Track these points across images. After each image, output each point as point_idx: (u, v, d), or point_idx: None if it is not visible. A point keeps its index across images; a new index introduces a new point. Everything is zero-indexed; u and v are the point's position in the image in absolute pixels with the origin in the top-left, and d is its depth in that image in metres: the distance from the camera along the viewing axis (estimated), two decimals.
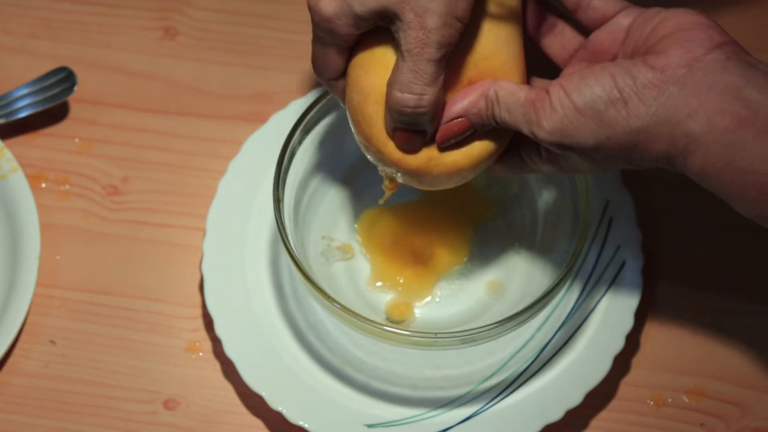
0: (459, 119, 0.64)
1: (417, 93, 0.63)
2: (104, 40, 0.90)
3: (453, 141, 0.65)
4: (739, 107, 0.59)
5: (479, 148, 0.66)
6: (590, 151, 0.62)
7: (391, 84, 0.64)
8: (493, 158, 0.68)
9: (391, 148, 0.66)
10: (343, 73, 0.68)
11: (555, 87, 0.62)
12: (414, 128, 0.65)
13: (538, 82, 0.68)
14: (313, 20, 0.65)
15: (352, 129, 0.69)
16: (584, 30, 0.68)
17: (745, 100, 0.59)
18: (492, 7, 0.65)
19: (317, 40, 0.67)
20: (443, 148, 0.66)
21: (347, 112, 0.68)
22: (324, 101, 0.76)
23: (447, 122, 0.65)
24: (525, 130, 0.63)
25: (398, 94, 0.63)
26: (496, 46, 0.65)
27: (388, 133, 0.66)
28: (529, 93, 0.63)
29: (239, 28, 0.91)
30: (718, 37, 0.61)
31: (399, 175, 0.68)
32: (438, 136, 0.65)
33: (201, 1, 0.92)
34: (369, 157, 0.69)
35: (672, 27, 0.62)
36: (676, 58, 0.61)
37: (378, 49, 0.65)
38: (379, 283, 0.79)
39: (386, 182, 0.71)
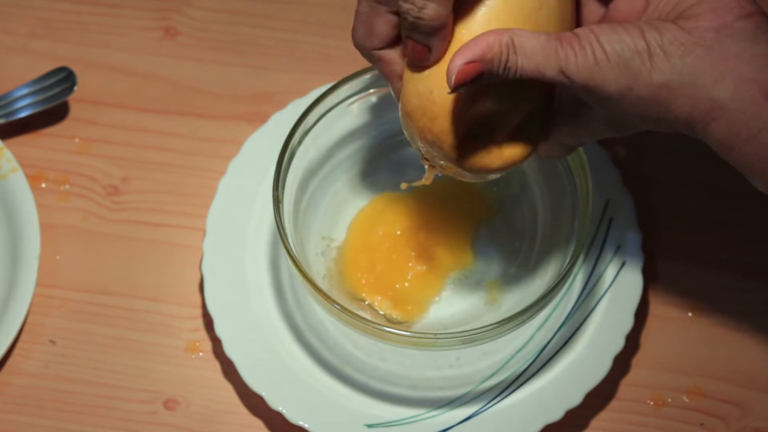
0: (472, 63, 0.61)
1: (418, 5, 0.61)
2: (104, 40, 0.90)
3: (462, 88, 0.61)
4: (767, 78, 0.58)
5: (524, 142, 0.65)
6: (612, 101, 0.61)
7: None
8: (532, 151, 0.66)
9: (451, 143, 0.64)
10: (390, 43, 0.66)
11: (584, 30, 0.61)
12: (419, 41, 0.63)
13: None
14: None
15: (406, 116, 0.66)
16: (604, 1, 0.67)
17: None
18: None
19: (368, 1, 0.65)
20: (459, 103, 0.63)
21: (404, 97, 0.65)
22: (324, 101, 0.76)
23: (460, 64, 0.61)
24: (550, 71, 0.61)
25: (402, 3, 0.62)
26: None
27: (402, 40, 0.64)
28: (551, 35, 0.61)
29: (239, 28, 0.91)
30: (749, 6, 0.60)
31: (442, 163, 0.66)
32: (447, 79, 0.61)
33: (201, 1, 0.92)
34: (420, 144, 0.66)
35: None
36: (704, 22, 0.60)
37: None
38: (367, 301, 0.79)
39: (427, 169, 0.69)
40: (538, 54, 0.61)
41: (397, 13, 0.65)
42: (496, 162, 0.66)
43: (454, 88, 0.61)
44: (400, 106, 0.66)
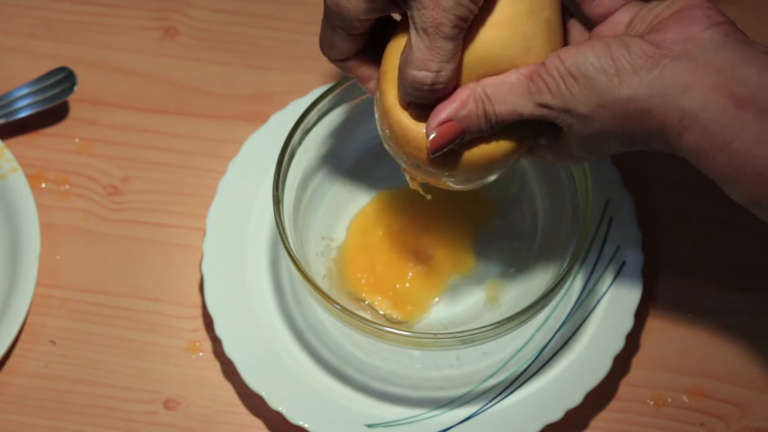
0: (449, 122, 0.63)
1: (434, 70, 0.62)
2: (104, 40, 0.90)
3: (445, 149, 0.63)
4: (737, 86, 0.58)
5: (505, 143, 0.65)
6: (588, 121, 0.61)
7: (405, 63, 0.62)
8: (521, 152, 0.66)
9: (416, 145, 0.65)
10: (351, 56, 0.67)
11: (551, 57, 0.62)
12: (430, 102, 0.63)
13: None
14: (324, 1, 0.64)
15: (378, 122, 0.67)
16: (589, 25, 0.67)
17: (743, 79, 0.58)
18: None
19: (326, 20, 0.66)
20: (434, 160, 0.64)
21: (376, 104, 0.67)
22: (324, 101, 0.76)
23: (436, 126, 0.63)
24: (527, 108, 0.62)
25: (414, 72, 0.62)
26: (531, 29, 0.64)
27: (401, 105, 0.64)
28: (520, 72, 0.62)
29: (239, 28, 0.91)
30: (716, 17, 0.61)
31: (422, 169, 0.66)
32: (430, 143, 0.63)
33: (201, 1, 0.92)
34: (393, 153, 0.67)
35: (672, 10, 0.62)
36: (672, 34, 0.60)
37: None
38: (367, 301, 0.79)
39: (409, 180, 0.70)
40: (510, 96, 0.62)
41: (354, 36, 0.65)
42: (482, 174, 0.66)
43: (435, 152, 0.63)
44: (379, 126, 0.67)
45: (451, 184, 0.67)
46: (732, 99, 0.58)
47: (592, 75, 0.60)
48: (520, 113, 0.62)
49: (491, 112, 0.63)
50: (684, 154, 0.61)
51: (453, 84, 0.63)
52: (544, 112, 0.62)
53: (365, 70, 0.68)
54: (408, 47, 0.62)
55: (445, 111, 0.63)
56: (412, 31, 0.62)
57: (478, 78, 0.63)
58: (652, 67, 0.60)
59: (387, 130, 0.66)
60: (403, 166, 0.68)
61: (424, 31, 0.61)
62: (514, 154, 0.66)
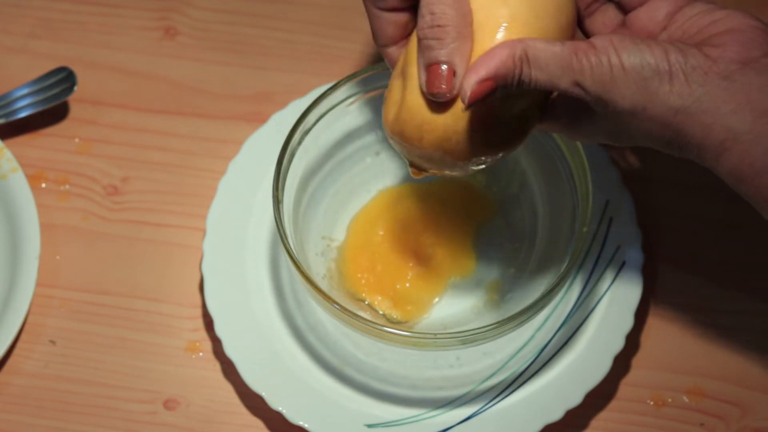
0: (486, 81, 0.61)
1: (437, 12, 0.62)
2: (104, 40, 0.90)
3: (480, 102, 0.61)
4: None
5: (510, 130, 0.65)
6: (623, 116, 0.61)
7: (418, 14, 0.63)
8: (520, 144, 0.66)
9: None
10: (393, 41, 0.67)
11: (603, 40, 0.60)
12: (444, 59, 0.62)
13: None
14: None
15: (389, 114, 0.67)
16: (623, 9, 0.67)
17: None
18: None
19: (370, 2, 0.66)
20: (445, 147, 0.64)
21: (388, 94, 0.67)
22: (324, 101, 0.76)
23: (474, 83, 0.61)
24: (564, 83, 0.60)
25: (422, 20, 0.62)
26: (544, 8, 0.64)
27: (419, 73, 0.63)
28: (565, 45, 0.60)
29: (239, 28, 0.91)
30: None
31: (419, 157, 0.66)
32: (466, 99, 0.61)
33: (201, 1, 0.92)
34: (400, 146, 0.67)
35: (731, 25, 0.61)
36: (731, 54, 0.60)
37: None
38: (367, 301, 0.79)
39: (412, 173, 0.69)
40: (552, 65, 0.60)
41: (391, 9, 0.65)
42: (490, 155, 0.65)
43: (469, 105, 0.61)
44: (390, 118, 0.66)
45: (457, 171, 0.66)
46: None
47: (647, 74, 0.59)
48: (556, 85, 0.61)
49: (527, 75, 0.61)
50: (720, 174, 0.60)
51: (467, 40, 0.62)
52: (580, 92, 0.60)
53: (397, 31, 0.68)
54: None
55: (484, 68, 0.61)
56: None
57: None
58: (706, 82, 0.59)
59: (399, 118, 0.65)
60: (410, 158, 0.67)
61: None
62: (524, 137, 0.65)
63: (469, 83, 0.61)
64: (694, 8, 0.63)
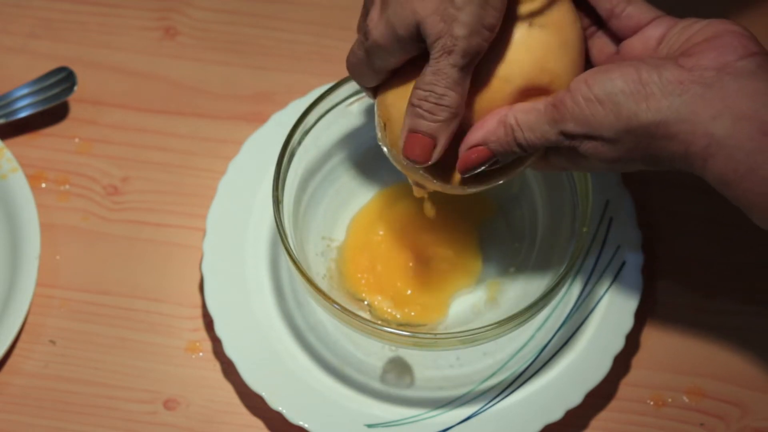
0: (478, 147, 0.64)
1: (438, 93, 0.63)
2: (104, 40, 0.90)
3: (476, 171, 0.65)
4: (766, 115, 0.58)
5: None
6: (610, 144, 0.62)
7: (415, 88, 0.64)
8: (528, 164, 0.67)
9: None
10: (377, 86, 0.68)
11: (577, 81, 0.62)
12: (428, 132, 0.64)
13: None
14: (364, 35, 0.65)
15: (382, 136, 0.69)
16: (617, 38, 0.67)
17: None
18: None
19: (364, 53, 0.66)
20: (465, 180, 0.66)
21: (380, 118, 0.68)
22: (324, 101, 0.76)
23: (466, 150, 0.64)
24: (553, 135, 0.63)
25: (420, 92, 0.63)
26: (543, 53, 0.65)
27: (401, 141, 0.65)
28: (548, 99, 0.63)
29: (239, 28, 0.91)
30: (752, 47, 0.61)
31: (427, 177, 0.68)
32: (458, 165, 0.65)
33: (201, 1, 0.92)
34: (401, 167, 0.70)
35: (707, 34, 0.62)
36: (706, 61, 0.60)
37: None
38: (366, 301, 0.79)
39: (415, 191, 0.72)
40: (539, 123, 0.63)
41: (385, 71, 0.66)
42: (493, 182, 0.67)
43: (464, 173, 0.65)
44: (389, 150, 0.69)
45: (460, 191, 0.68)
46: (759, 127, 0.59)
47: (620, 100, 0.60)
48: (549, 139, 0.63)
49: (521, 138, 0.63)
50: (708, 180, 0.61)
51: (458, 119, 0.64)
52: (566, 140, 0.62)
53: None
54: (421, 73, 0.63)
55: (475, 136, 0.64)
56: (430, 61, 0.63)
57: (504, 102, 0.64)
58: (682, 93, 0.60)
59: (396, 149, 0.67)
60: (414, 179, 0.70)
61: (435, 59, 0.62)
62: (527, 163, 0.67)
63: (462, 150, 0.64)
64: (678, 26, 0.64)
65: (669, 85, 0.60)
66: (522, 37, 0.64)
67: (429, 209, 0.76)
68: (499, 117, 0.64)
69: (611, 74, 0.61)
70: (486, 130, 0.64)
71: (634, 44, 0.66)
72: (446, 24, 0.61)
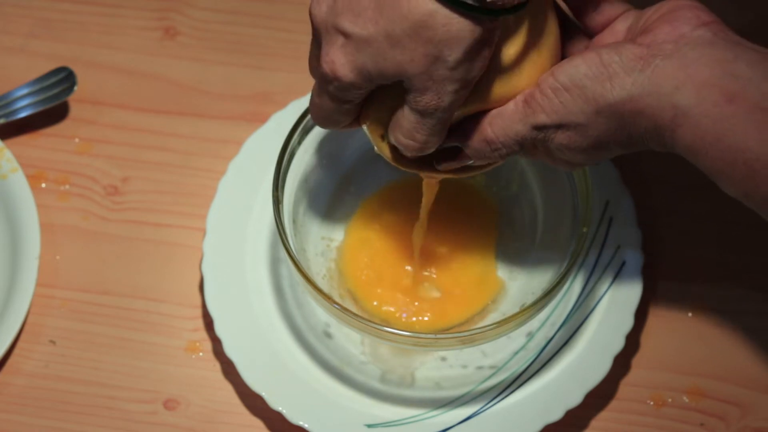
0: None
1: (420, 141, 0.63)
2: (104, 40, 0.90)
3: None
4: (729, 81, 0.59)
5: None
6: (582, 130, 0.62)
7: (394, 126, 0.64)
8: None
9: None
10: (351, 123, 0.67)
11: (544, 75, 0.62)
12: (414, 153, 0.65)
13: None
14: (324, 79, 0.63)
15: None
16: (590, 34, 0.68)
17: (734, 74, 0.59)
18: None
19: (327, 96, 0.65)
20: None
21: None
22: None
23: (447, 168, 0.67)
24: (527, 131, 0.63)
25: (402, 139, 0.64)
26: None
27: (392, 132, 0.65)
28: (518, 98, 0.63)
29: (239, 28, 0.91)
30: (704, 16, 0.61)
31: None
32: (437, 163, 0.67)
33: (201, 1, 0.92)
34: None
35: (661, 12, 0.62)
36: (662, 35, 0.61)
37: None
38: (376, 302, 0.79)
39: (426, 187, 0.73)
40: (511, 123, 0.63)
41: (356, 107, 0.65)
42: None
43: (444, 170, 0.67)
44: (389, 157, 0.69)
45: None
46: (723, 94, 0.59)
47: (585, 84, 0.61)
48: (524, 137, 0.63)
49: (498, 145, 0.64)
50: (679, 151, 0.61)
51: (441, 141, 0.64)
52: (539, 135, 0.63)
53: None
54: (400, 112, 0.63)
55: (458, 161, 0.66)
56: (407, 104, 0.62)
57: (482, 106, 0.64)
58: (644, 68, 0.60)
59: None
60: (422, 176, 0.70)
61: (419, 111, 0.62)
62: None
63: (443, 168, 0.67)
64: (644, 13, 0.64)
65: (630, 62, 0.60)
66: (513, 58, 0.64)
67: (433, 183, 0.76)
68: (476, 132, 0.64)
69: (574, 61, 0.62)
70: (468, 151, 0.65)
71: (604, 38, 0.66)
72: (435, 83, 0.60)
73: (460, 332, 0.70)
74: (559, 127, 0.62)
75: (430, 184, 0.73)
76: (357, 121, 0.67)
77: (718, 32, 0.61)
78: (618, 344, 0.76)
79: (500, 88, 0.63)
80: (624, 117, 0.61)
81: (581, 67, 0.61)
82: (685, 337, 0.79)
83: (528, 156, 0.67)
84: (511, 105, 0.63)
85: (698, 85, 0.59)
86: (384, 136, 0.67)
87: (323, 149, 0.80)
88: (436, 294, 0.79)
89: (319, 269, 0.79)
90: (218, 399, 0.78)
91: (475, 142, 0.64)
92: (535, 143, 0.64)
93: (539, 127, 0.63)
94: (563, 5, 0.67)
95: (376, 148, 0.68)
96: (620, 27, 0.65)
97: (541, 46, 0.64)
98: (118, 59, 0.90)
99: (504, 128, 0.63)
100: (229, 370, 0.78)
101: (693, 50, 0.60)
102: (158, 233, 0.83)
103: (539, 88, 0.62)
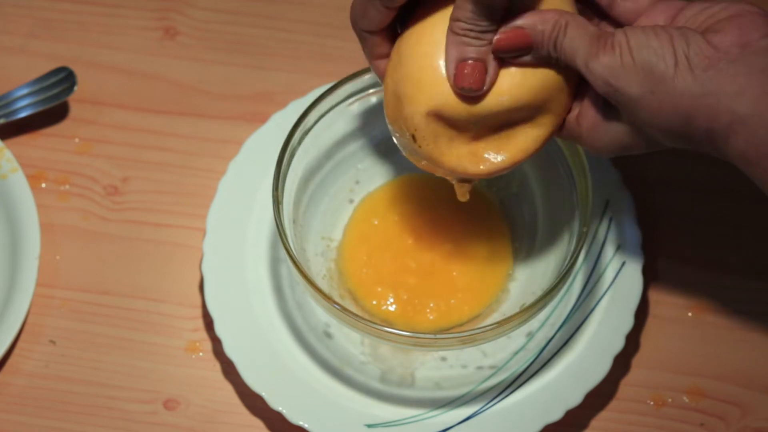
0: (521, 29, 0.63)
1: (482, 24, 0.62)
2: (104, 40, 0.90)
3: (507, 55, 0.63)
4: None
5: (533, 136, 0.67)
6: (634, 104, 0.61)
7: (455, 17, 0.63)
8: (541, 146, 0.67)
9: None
10: (381, 29, 0.67)
11: (619, 31, 0.62)
12: (478, 57, 0.63)
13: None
14: None
15: (393, 111, 0.68)
16: (620, 25, 0.67)
17: None
18: None
19: (356, 26, 0.66)
20: (496, 68, 0.65)
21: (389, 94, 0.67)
22: (324, 101, 0.76)
23: (508, 29, 0.63)
24: (581, 61, 0.62)
25: (462, 24, 0.62)
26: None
27: (448, 73, 0.64)
28: (596, 30, 0.63)
29: (239, 28, 0.91)
30: None
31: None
32: (496, 41, 0.63)
33: (201, 1, 0.92)
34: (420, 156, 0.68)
35: (729, 13, 0.62)
36: (731, 38, 0.60)
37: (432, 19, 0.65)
38: (375, 301, 0.79)
39: (457, 187, 0.72)
40: (581, 42, 0.62)
41: (390, 8, 0.65)
42: (496, 167, 0.67)
43: (497, 52, 0.63)
44: (405, 123, 0.67)
45: (483, 169, 0.68)
46: None
47: (652, 60, 0.60)
48: (574, 61, 0.63)
49: (560, 43, 0.63)
50: (729, 158, 0.61)
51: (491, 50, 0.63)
52: (588, 74, 0.62)
53: (385, 48, 0.68)
54: (458, 8, 0.62)
55: (522, 18, 0.63)
56: None
57: None
58: (707, 67, 0.60)
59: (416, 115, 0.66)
60: (421, 166, 0.69)
61: None
62: (550, 135, 0.67)
63: (502, 29, 0.63)
64: (693, 8, 0.64)
65: (696, 57, 0.60)
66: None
67: (462, 194, 0.75)
68: (555, 15, 0.63)
69: (648, 33, 0.61)
70: (540, 16, 0.63)
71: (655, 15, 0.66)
72: None
73: (460, 332, 0.70)
74: (610, 86, 0.61)
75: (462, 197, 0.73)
76: (383, 33, 0.67)
77: None
78: (618, 344, 0.76)
79: None
80: (678, 109, 0.60)
81: (653, 41, 0.61)
82: (685, 337, 0.79)
83: (564, 133, 0.67)
84: (591, 28, 0.63)
85: (759, 94, 0.59)
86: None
87: (323, 149, 0.80)
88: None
89: (319, 269, 0.79)
90: (218, 399, 0.78)
91: (550, 19, 0.63)
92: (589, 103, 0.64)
93: (591, 71, 0.62)
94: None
95: (394, 112, 0.67)
96: (657, 18, 0.65)
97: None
98: (118, 59, 0.90)
99: (572, 38, 0.62)
100: (229, 370, 0.78)
101: (758, 58, 0.60)
102: (158, 233, 0.83)
103: (612, 37, 0.62)
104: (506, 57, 0.64)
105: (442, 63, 0.64)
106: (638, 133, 0.63)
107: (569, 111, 0.66)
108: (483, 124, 0.65)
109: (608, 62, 0.61)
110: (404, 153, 0.69)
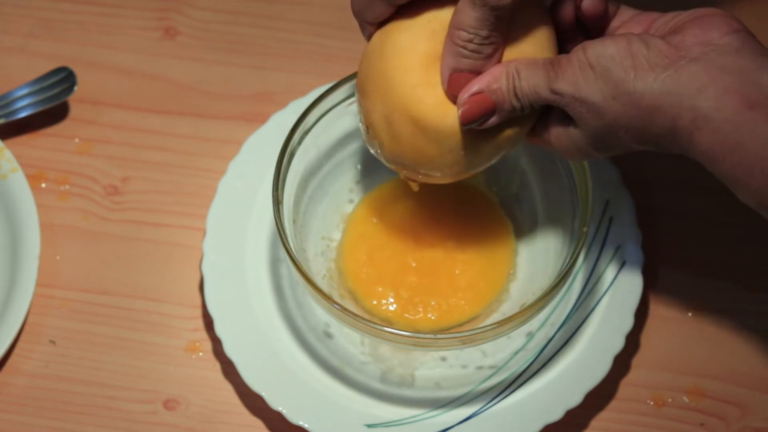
0: (481, 94, 0.64)
1: (483, 35, 0.63)
2: (104, 40, 0.90)
3: (475, 124, 0.65)
4: (751, 90, 0.59)
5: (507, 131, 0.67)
6: (599, 111, 0.62)
7: (456, 24, 0.63)
8: (517, 142, 0.68)
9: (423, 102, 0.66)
10: (381, 21, 0.67)
11: (577, 47, 0.63)
12: (473, 69, 0.64)
13: None
14: None
15: (364, 98, 0.68)
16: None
17: (757, 83, 0.59)
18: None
19: (360, 18, 0.67)
20: (466, 133, 0.66)
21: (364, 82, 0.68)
22: (324, 101, 0.76)
23: (468, 97, 0.64)
24: (544, 91, 0.63)
25: (463, 33, 0.63)
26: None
27: (442, 78, 0.65)
28: (547, 59, 0.64)
29: (239, 28, 0.91)
30: (735, 25, 0.62)
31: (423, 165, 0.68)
32: (460, 115, 0.65)
33: (201, 1, 0.92)
34: (376, 148, 0.69)
35: (692, 16, 0.63)
36: (691, 37, 0.61)
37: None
38: (375, 301, 0.79)
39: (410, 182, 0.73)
40: (535, 76, 0.63)
41: (394, 5, 0.66)
42: (483, 160, 0.68)
43: (465, 124, 0.65)
44: (379, 129, 0.68)
45: (450, 175, 0.68)
46: (745, 101, 0.59)
47: (609, 66, 0.61)
48: (539, 95, 0.63)
49: (519, 89, 0.64)
50: (694, 155, 0.61)
51: (500, 51, 0.64)
52: (556, 98, 0.63)
53: None
54: (458, 10, 0.63)
55: (477, 84, 0.64)
56: (466, 1, 0.63)
57: None
58: (668, 66, 0.60)
59: (388, 126, 0.67)
60: (404, 175, 0.70)
61: (479, 5, 0.62)
62: (516, 138, 0.67)
63: (463, 98, 0.64)
64: (666, 16, 0.65)
65: (656, 58, 0.61)
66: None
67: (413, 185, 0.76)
68: (502, 67, 0.64)
69: (605, 42, 0.62)
70: (491, 76, 0.64)
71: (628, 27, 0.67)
72: None
73: (460, 332, 0.70)
74: (575, 99, 0.62)
75: (415, 187, 0.74)
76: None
77: (746, 41, 0.61)
78: (618, 344, 0.76)
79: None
80: (641, 110, 0.61)
81: (610, 48, 0.61)
82: (685, 337, 0.79)
83: (534, 139, 0.67)
84: (539, 60, 0.64)
85: (721, 90, 0.59)
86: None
87: (323, 149, 0.80)
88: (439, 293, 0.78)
89: (319, 269, 0.79)
90: (218, 399, 0.78)
91: (501, 76, 0.64)
92: (549, 116, 0.65)
93: (557, 92, 0.63)
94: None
95: (367, 136, 0.68)
96: (633, 29, 0.66)
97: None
98: (118, 59, 0.90)
99: (528, 78, 0.63)
100: (229, 370, 0.78)
101: (719, 56, 0.60)
102: (158, 233, 0.83)
103: (568, 57, 0.63)
104: (473, 127, 0.65)
105: (399, 72, 0.65)
106: (603, 140, 0.64)
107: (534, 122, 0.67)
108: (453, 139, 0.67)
109: (569, 77, 0.62)
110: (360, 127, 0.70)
